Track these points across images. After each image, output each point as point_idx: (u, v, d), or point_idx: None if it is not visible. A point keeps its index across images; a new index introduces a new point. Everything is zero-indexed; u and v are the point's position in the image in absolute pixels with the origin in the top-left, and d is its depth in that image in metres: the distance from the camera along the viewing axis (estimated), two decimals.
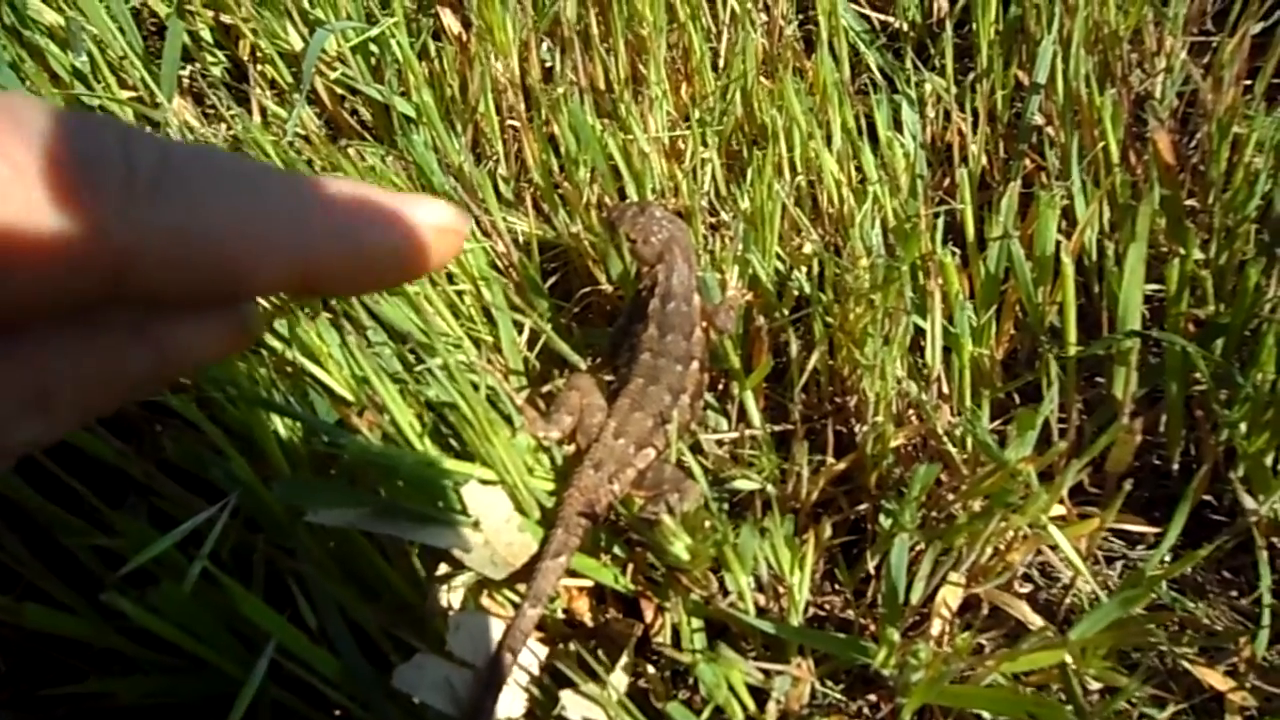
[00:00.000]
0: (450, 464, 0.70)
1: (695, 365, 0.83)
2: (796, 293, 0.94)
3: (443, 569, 0.72)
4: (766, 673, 0.70)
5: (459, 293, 0.90)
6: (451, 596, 0.70)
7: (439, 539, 0.67)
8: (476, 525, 0.69)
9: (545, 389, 0.89)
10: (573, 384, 0.82)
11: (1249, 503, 0.79)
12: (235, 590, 0.61)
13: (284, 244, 0.29)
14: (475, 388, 0.71)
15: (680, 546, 0.65)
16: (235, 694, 0.62)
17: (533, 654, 0.70)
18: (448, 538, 0.68)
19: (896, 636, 0.65)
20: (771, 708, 0.71)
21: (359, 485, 0.72)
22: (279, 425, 0.74)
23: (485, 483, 0.71)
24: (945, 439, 0.81)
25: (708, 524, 0.66)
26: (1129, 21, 1.09)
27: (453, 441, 0.76)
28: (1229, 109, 0.95)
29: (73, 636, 0.71)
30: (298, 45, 1.17)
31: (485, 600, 0.72)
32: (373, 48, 1.16)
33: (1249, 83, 1.01)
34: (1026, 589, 0.84)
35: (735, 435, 0.87)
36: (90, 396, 0.30)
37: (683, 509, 0.72)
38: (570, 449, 0.81)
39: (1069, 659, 0.66)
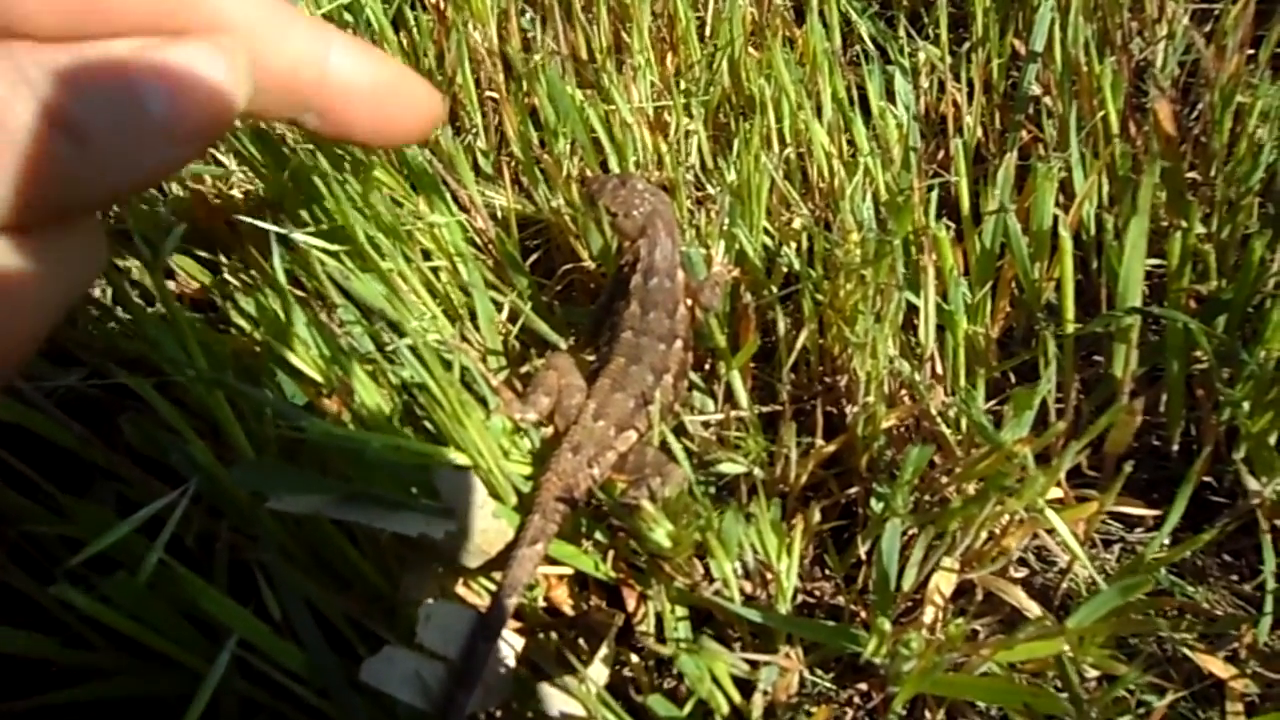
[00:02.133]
0: (421, 447, 0.67)
1: (679, 344, 0.80)
2: (785, 269, 0.90)
3: (414, 557, 0.69)
4: (753, 663, 0.67)
5: (435, 270, 0.87)
6: (424, 586, 0.67)
7: (410, 526, 0.64)
8: (449, 512, 0.66)
9: (524, 369, 0.86)
10: (551, 363, 0.79)
11: (1252, 484, 0.76)
12: (193, 582, 0.58)
13: None
14: (448, 368, 0.67)
15: (662, 533, 0.62)
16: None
17: (509, 645, 0.67)
18: (419, 525, 0.65)
19: (888, 626, 0.62)
20: (758, 698, 0.68)
21: (328, 470, 0.69)
22: (245, 408, 0.71)
23: (458, 467, 0.68)
24: (939, 420, 0.79)
25: (691, 509, 0.63)
26: None
27: (425, 424, 0.73)
28: (1232, 78, 0.92)
29: (33, 657, 0.68)
30: None
31: (459, 590, 0.69)
32: (347, 16, 1.12)
33: (1252, 51, 0.98)
34: (1021, 573, 0.82)
35: (721, 416, 0.84)
36: (119, 104, 0.32)
37: (665, 494, 0.69)
38: (548, 431, 0.78)
39: (1066, 648, 0.64)
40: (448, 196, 0.88)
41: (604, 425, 0.75)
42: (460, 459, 0.68)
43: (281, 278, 0.72)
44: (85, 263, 0.37)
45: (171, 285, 0.93)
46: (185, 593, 0.60)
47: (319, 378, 0.72)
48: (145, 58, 0.33)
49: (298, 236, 0.77)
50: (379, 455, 0.64)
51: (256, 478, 0.63)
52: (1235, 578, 0.81)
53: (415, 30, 1.09)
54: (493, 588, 0.68)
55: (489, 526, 0.68)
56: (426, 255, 0.87)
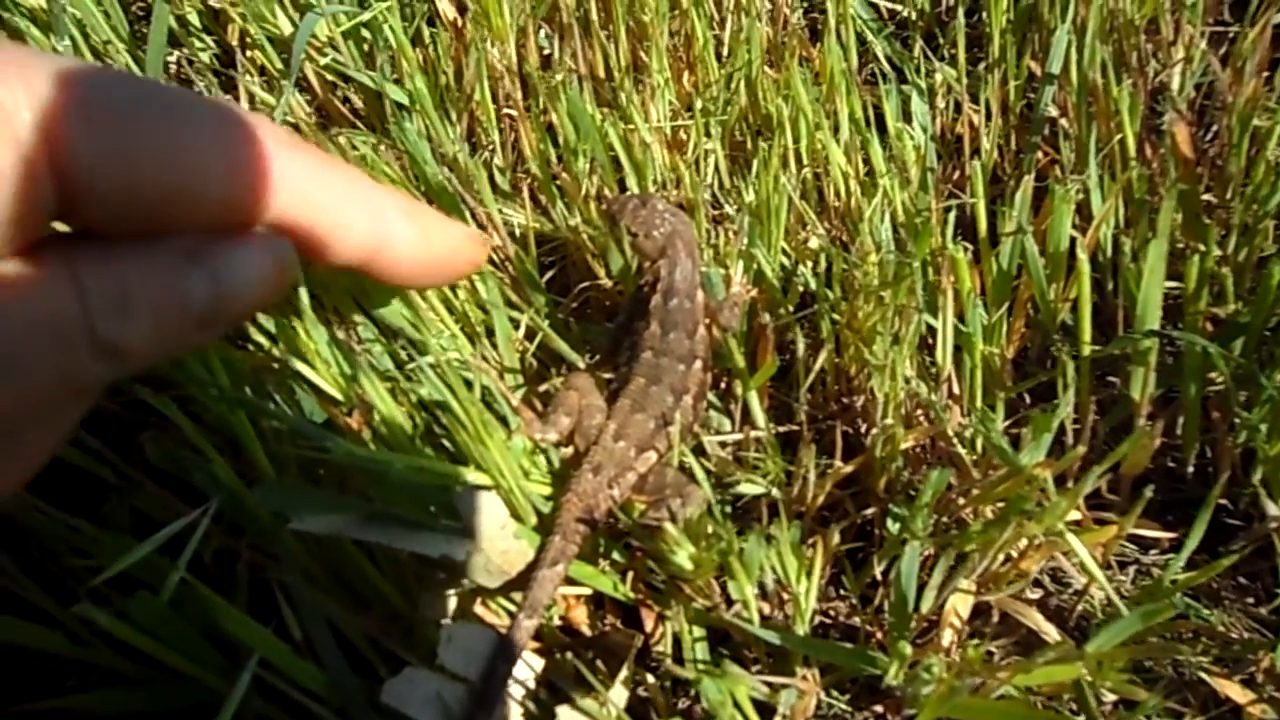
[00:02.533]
0: (443, 467, 0.67)
1: (698, 364, 0.81)
2: (802, 289, 0.91)
3: (435, 578, 0.69)
4: (771, 686, 0.67)
5: (453, 287, 0.87)
6: (444, 607, 0.67)
7: (431, 546, 0.64)
8: (470, 532, 0.66)
9: (542, 388, 0.86)
10: (571, 383, 0.79)
11: (1271, 508, 0.76)
12: (215, 602, 0.58)
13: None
14: (469, 387, 0.68)
15: (683, 556, 0.62)
16: (218, 704, 0.59)
17: (529, 666, 0.67)
18: (440, 545, 0.65)
19: (909, 649, 0.62)
20: None
21: (348, 489, 0.69)
22: (264, 426, 0.71)
23: (479, 487, 0.68)
24: (956, 441, 0.79)
25: (711, 531, 0.63)
26: (1145, 10, 1.06)
27: (445, 443, 0.73)
28: (1249, 101, 0.92)
29: (47, 650, 0.68)
30: (287, 30, 1.13)
31: (479, 610, 0.69)
32: (365, 33, 1.13)
33: (1269, 74, 0.99)
34: (1037, 594, 0.82)
35: (739, 437, 0.84)
36: (162, 311, 0.36)
37: (685, 515, 0.69)
38: (568, 452, 0.78)
39: (1085, 672, 0.64)
40: (466, 214, 0.88)
41: (624, 446, 0.75)
42: (481, 479, 0.68)
43: (304, 294, 0.72)
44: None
45: None
46: (205, 611, 0.60)
47: (339, 395, 0.72)
48: (196, 261, 0.36)
49: None
50: (400, 475, 0.65)
51: (279, 498, 0.63)
52: (1251, 600, 0.81)
53: (433, 47, 1.10)
54: (512, 608, 0.68)
55: (509, 547, 0.68)
56: None
